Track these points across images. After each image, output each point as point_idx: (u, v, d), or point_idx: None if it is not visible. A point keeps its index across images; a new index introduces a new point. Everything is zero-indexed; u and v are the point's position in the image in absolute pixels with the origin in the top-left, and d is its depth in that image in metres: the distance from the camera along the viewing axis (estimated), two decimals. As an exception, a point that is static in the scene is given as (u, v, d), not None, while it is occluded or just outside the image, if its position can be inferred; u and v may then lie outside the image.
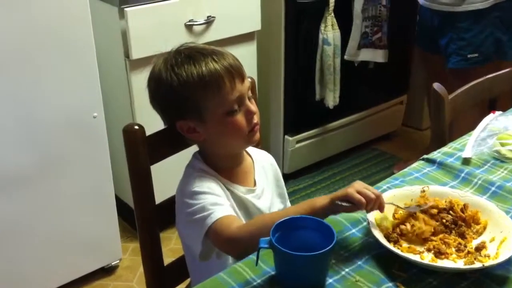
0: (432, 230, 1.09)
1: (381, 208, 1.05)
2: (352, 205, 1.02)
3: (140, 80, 2.09)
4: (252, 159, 1.31)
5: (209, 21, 2.19)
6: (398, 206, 1.12)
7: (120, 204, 2.26)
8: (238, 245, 1.07)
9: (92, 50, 1.88)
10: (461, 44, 2.37)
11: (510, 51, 2.40)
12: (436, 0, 2.40)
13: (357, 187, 1.02)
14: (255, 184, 1.27)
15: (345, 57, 2.61)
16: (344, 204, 1.02)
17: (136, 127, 1.20)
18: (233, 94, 1.14)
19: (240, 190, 1.23)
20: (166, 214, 1.27)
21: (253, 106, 1.18)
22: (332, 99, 2.61)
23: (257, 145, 1.34)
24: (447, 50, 2.43)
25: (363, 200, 1.01)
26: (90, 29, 1.85)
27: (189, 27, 2.15)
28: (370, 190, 1.03)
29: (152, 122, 1.27)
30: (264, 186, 1.29)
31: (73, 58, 1.84)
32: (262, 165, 1.33)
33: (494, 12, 2.31)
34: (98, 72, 1.92)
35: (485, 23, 2.33)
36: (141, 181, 1.23)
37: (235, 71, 1.15)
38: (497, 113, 1.55)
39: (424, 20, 2.60)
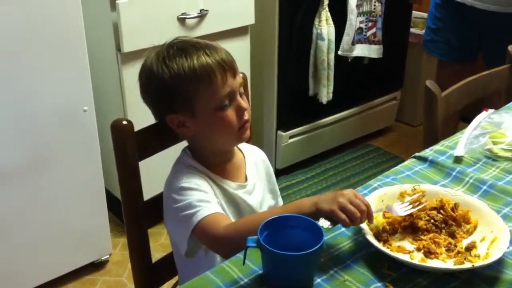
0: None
1: (370, 219, 1.01)
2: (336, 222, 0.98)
3: (131, 74, 2.07)
4: (243, 154, 1.30)
5: (202, 15, 2.17)
6: (388, 211, 1.10)
7: (111, 199, 2.24)
8: (226, 244, 1.06)
9: (83, 42, 1.86)
10: None
11: None
12: None
13: (343, 203, 0.98)
14: (246, 180, 1.26)
15: (339, 52, 2.59)
16: (327, 226, 0.97)
17: (125, 122, 1.19)
18: (224, 89, 1.13)
19: (230, 185, 1.22)
20: (156, 209, 1.25)
21: (244, 103, 1.17)
22: (325, 94, 2.60)
23: (248, 141, 1.33)
24: None
25: (347, 220, 0.97)
26: (81, 21, 1.83)
27: (181, 20, 2.13)
28: (357, 205, 0.98)
29: (144, 116, 1.25)
30: (256, 181, 1.28)
31: (64, 51, 1.82)
32: (254, 160, 1.32)
33: None
34: (88, 65, 1.89)
35: None
36: (129, 177, 1.22)
37: (227, 66, 1.14)
38: (490, 111, 1.54)
39: (470, 24, 2.38)
